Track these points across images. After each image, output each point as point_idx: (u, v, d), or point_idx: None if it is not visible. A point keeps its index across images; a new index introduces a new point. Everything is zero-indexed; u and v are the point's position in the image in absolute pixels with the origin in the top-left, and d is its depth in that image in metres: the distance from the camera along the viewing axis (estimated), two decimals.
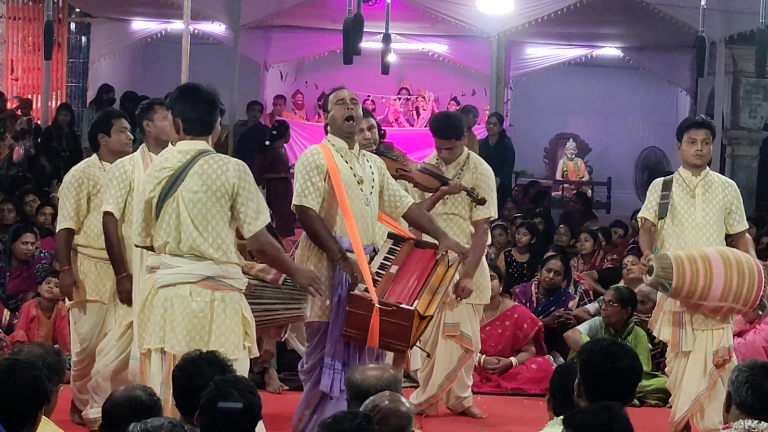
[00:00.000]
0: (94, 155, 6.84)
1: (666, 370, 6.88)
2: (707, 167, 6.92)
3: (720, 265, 6.42)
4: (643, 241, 6.93)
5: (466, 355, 7.44)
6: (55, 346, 4.64)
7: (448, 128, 7.27)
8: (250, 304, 5.38)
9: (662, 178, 7.03)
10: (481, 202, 7.11)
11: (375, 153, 6.62)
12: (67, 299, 6.83)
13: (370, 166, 6.16)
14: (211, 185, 5.02)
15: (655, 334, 6.99)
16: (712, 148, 6.93)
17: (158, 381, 5.07)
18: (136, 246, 5.41)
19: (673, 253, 6.55)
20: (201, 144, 5.13)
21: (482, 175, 7.27)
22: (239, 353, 5.11)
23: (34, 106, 17.77)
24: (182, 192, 5.03)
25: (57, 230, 6.78)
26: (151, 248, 5.30)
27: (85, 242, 6.71)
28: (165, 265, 5.12)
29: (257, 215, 5.05)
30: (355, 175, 6.04)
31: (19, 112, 16.17)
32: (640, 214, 6.97)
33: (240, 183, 5.03)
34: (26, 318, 8.33)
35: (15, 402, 3.80)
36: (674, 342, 6.66)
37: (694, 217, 6.74)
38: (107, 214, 6.33)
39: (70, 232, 6.68)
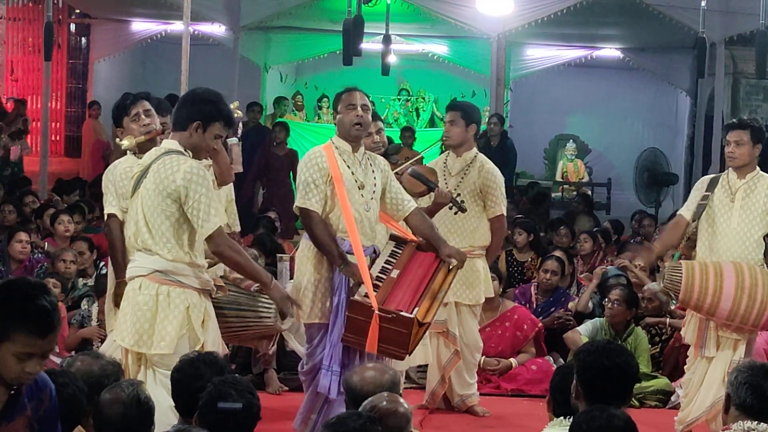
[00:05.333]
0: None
1: (685, 367, 6.83)
2: (757, 169, 6.59)
3: (731, 286, 6.29)
4: (665, 234, 6.79)
5: (454, 357, 7.44)
6: (115, 358, 4.56)
7: (453, 104, 7.81)
8: (223, 307, 5.43)
9: (709, 176, 6.81)
10: (463, 209, 7.07)
11: (382, 155, 6.64)
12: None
13: (373, 171, 6.16)
14: (158, 185, 5.07)
15: (682, 333, 6.88)
16: (744, 149, 6.50)
17: None
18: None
19: (688, 264, 6.43)
20: (173, 143, 5.19)
21: (489, 173, 7.35)
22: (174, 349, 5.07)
23: (33, 107, 17.80)
24: (142, 189, 5.14)
25: None
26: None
27: None
28: (132, 259, 5.26)
29: (208, 217, 5.05)
30: (356, 181, 6.05)
31: (11, 109, 16.19)
32: (679, 210, 6.84)
33: (189, 186, 5.03)
34: None
35: None
36: (697, 345, 6.57)
37: (730, 223, 6.50)
38: (111, 217, 6.30)
39: None
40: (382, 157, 6.40)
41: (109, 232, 6.30)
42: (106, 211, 6.30)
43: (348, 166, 6.06)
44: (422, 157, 7.58)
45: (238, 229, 6.51)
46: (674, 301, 6.50)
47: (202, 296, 5.20)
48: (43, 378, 3.56)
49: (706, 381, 6.55)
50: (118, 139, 5.94)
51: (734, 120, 6.88)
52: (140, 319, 5.09)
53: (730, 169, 6.64)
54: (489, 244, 7.45)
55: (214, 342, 5.20)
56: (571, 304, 9.28)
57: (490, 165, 7.42)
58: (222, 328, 5.40)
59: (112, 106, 6.12)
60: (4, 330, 3.30)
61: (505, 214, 7.47)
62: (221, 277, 5.50)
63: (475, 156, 7.41)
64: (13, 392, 3.43)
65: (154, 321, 5.08)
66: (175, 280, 5.11)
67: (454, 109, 7.53)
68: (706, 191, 6.65)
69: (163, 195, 5.06)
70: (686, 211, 6.70)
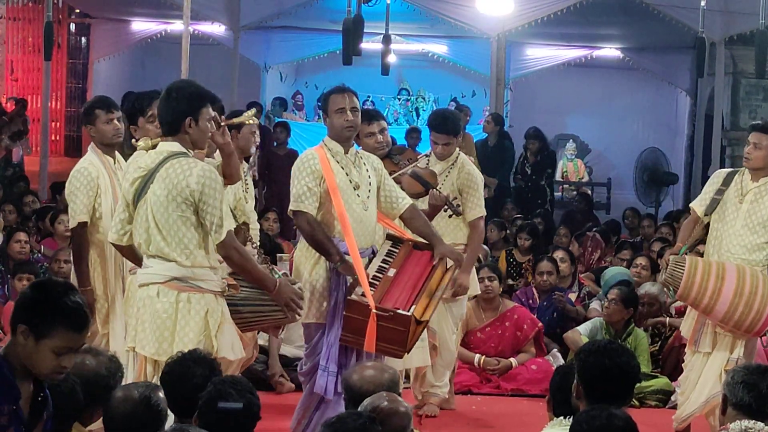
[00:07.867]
0: None
1: (683, 365, 6.85)
2: None
3: (730, 291, 6.29)
4: (681, 232, 6.80)
5: (431, 351, 7.36)
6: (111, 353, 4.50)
7: (445, 124, 7.28)
8: (237, 304, 5.41)
9: (727, 170, 6.79)
10: (458, 213, 7.02)
11: (386, 156, 6.62)
12: None
13: (367, 170, 6.13)
14: (171, 190, 5.01)
15: (680, 326, 6.91)
16: (762, 152, 6.42)
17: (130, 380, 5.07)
18: (111, 242, 5.40)
19: (692, 261, 6.43)
20: (174, 145, 5.11)
21: (468, 175, 7.22)
22: None
23: (33, 107, 17.78)
24: (150, 195, 5.07)
25: None
26: (124, 248, 5.31)
27: None
28: (144, 265, 5.19)
29: (221, 223, 5.04)
30: (351, 181, 6.02)
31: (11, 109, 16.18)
32: (691, 203, 6.80)
33: (202, 189, 4.99)
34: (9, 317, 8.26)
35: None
36: (692, 340, 6.59)
37: (735, 224, 6.47)
38: (83, 225, 6.17)
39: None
40: (374, 156, 6.35)
41: (80, 241, 6.13)
42: (78, 219, 6.14)
43: (342, 167, 6.03)
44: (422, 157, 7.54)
45: (255, 217, 6.51)
46: (672, 296, 6.53)
47: (219, 299, 5.18)
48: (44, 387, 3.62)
49: (702, 377, 6.55)
50: (134, 140, 5.89)
51: (758, 122, 6.82)
52: (160, 327, 5.05)
53: (747, 169, 6.58)
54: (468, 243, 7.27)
55: (226, 346, 5.15)
56: (571, 295, 9.33)
57: (470, 167, 7.29)
58: (236, 321, 5.38)
59: (127, 105, 6.07)
60: (45, 327, 3.42)
61: (484, 214, 7.29)
62: (230, 274, 5.49)
63: (458, 156, 7.32)
64: (40, 398, 3.54)
65: (174, 328, 5.05)
66: (195, 286, 5.08)
67: (443, 132, 7.20)
68: (721, 185, 6.60)
69: (177, 201, 5.01)
70: (698, 206, 6.67)
